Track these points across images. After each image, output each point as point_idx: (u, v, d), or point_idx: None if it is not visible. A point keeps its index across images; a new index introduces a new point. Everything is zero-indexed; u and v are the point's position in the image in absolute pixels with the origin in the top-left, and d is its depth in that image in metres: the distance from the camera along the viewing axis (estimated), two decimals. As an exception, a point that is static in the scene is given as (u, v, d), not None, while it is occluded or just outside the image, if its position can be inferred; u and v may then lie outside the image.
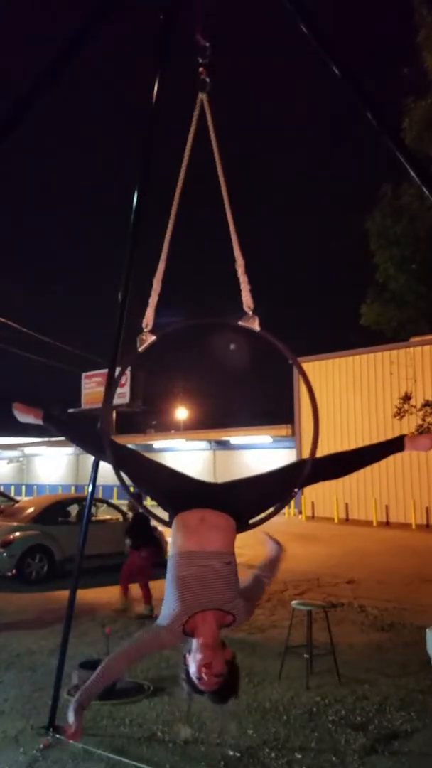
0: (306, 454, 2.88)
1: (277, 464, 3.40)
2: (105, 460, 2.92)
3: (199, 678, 2.41)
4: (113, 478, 3.06)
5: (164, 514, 2.83)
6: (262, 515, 2.87)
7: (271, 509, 2.90)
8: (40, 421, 3.00)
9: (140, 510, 8.84)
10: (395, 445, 2.96)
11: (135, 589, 8.83)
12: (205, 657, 2.39)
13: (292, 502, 23.74)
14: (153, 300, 3.18)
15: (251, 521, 2.84)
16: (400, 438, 2.95)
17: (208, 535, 2.63)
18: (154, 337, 3.11)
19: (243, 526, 2.79)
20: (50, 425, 3.04)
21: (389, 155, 3.66)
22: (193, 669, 2.43)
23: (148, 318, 3.13)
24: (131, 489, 3.05)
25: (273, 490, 2.89)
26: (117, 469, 2.86)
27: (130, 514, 12.55)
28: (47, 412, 3.00)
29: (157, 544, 10.73)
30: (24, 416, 3.05)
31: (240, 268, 3.14)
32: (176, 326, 3.20)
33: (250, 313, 3.04)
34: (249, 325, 3.03)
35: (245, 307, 3.05)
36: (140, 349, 3.11)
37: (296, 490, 2.86)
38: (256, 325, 3.02)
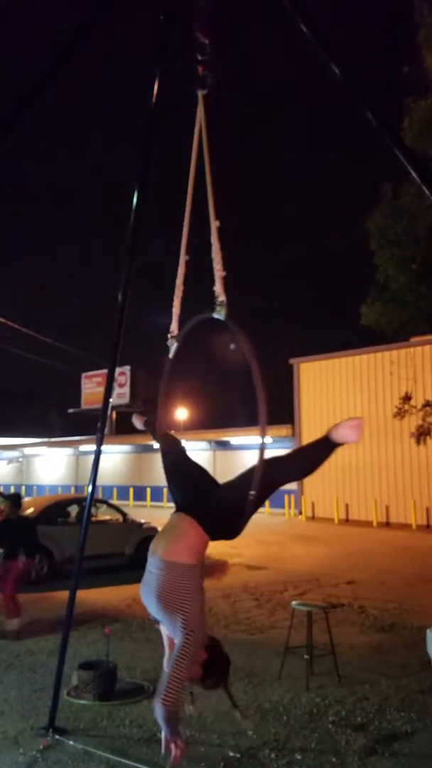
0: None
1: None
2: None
3: None
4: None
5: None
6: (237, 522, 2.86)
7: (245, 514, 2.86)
8: (143, 427, 3.68)
9: (17, 514, 8.32)
10: (327, 443, 2.90)
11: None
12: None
13: (293, 503, 23.72)
14: (176, 307, 3.25)
15: (223, 529, 2.87)
16: (326, 435, 2.88)
17: (167, 540, 2.74)
18: (177, 343, 3.24)
19: (219, 533, 2.84)
20: (147, 430, 3.63)
21: (389, 155, 3.66)
22: None
23: (174, 327, 3.23)
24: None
25: (240, 497, 2.85)
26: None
27: (125, 516, 12.56)
28: (145, 422, 3.67)
29: (43, 552, 10.49)
30: (138, 424, 3.75)
31: (216, 255, 3.12)
32: (185, 330, 3.25)
33: (219, 300, 3.03)
34: (218, 315, 3.03)
35: (216, 295, 3.05)
36: (171, 356, 3.28)
37: (252, 492, 2.79)
38: (222, 314, 3.01)
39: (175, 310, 3.25)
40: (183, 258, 3.31)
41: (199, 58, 3.52)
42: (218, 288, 3.04)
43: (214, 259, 3.12)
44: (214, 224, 3.18)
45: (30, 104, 3.63)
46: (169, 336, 3.26)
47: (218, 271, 3.07)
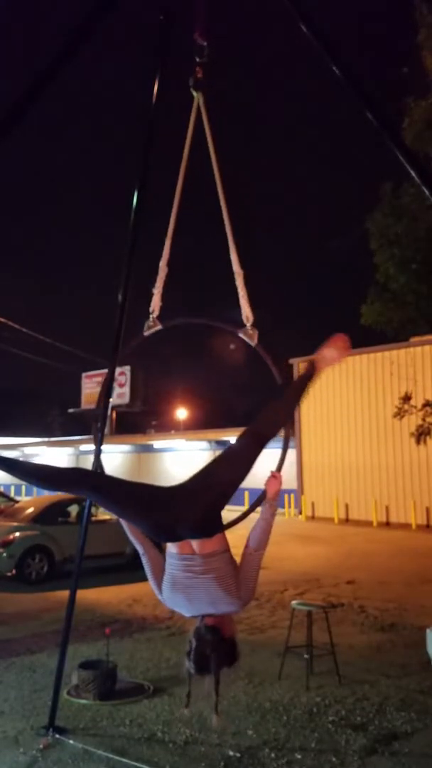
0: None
1: (276, 464, 3.40)
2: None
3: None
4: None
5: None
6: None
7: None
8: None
9: None
10: (310, 372, 2.91)
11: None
12: None
13: (293, 503, 23.72)
14: (159, 285, 3.17)
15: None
16: (311, 364, 2.90)
17: None
18: (160, 326, 3.11)
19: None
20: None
21: (389, 155, 3.66)
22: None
23: (155, 304, 3.12)
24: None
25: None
26: None
27: None
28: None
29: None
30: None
31: (239, 280, 3.13)
32: (180, 322, 3.21)
33: (248, 325, 3.05)
34: (247, 337, 3.04)
35: (243, 318, 3.06)
36: (146, 333, 3.12)
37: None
38: (254, 339, 3.03)
39: (158, 286, 3.21)
40: (168, 242, 3.29)
41: (198, 60, 3.49)
42: (246, 311, 3.07)
43: (238, 283, 3.14)
44: (234, 248, 3.17)
45: (30, 102, 3.61)
46: (150, 314, 3.17)
47: (243, 296, 3.10)
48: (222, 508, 2.82)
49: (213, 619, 2.79)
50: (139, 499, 2.80)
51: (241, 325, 3.07)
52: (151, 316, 3.12)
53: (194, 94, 3.42)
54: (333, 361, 2.85)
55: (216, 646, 2.73)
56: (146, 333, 3.13)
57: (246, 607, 2.85)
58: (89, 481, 2.95)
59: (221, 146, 3.37)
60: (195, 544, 2.80)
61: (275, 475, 2.84)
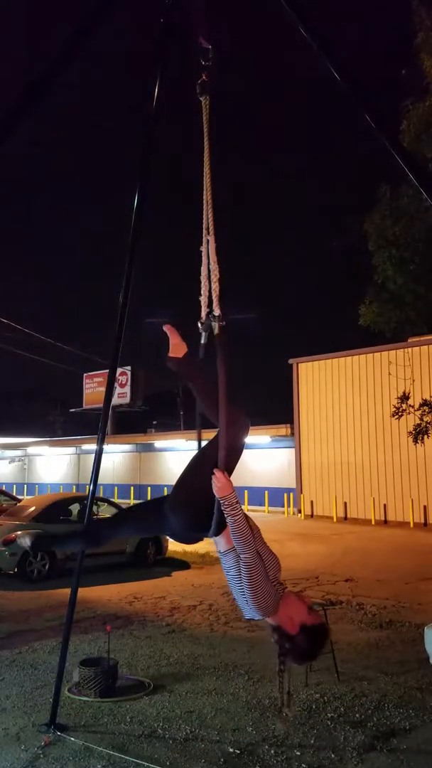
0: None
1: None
2: None
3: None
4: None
5: None
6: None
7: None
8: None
9: None
10: (172, 366, 3.11)
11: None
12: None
13: (292, 501, 23.78)
14: (204, 294, 3.18)
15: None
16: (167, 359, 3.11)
17: None
18: (204, 333, 3.18)
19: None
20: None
21: (388, 157, 3.69)
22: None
23: (204, 313, 3.17)
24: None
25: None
26: None
27: None
28: None
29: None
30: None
31: (214, 273, 3.13)
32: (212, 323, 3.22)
33: (212, 317, 3.05)
34: (214, 328, 3.05)
35: (213, 312, 3.07)
36: (202, 341, 3.19)
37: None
38: (215, 330, 3.03)
39: (203, 301, 3.19)
40: (204, 249, 3.25)
41: (203, 63, 3.45)
42: (215, 303, 3.07)
43: (212, 271, 3.12)
44: (212, 240, 3.15)
45: (29, 106, 3.63)
46: (200, 323, 3.18)
47: (215, 288, 3.09)
48: (209, 500, 2.73)
49: (272, 619, 2.66)
50: (155, 518, 2.91)
51: (210, 320, 3.08)
52: (199, 324, 3.14)
53: (201, 99, 3.38)
54: (172, 347, 3.10)
55: (286, 645, 2.66)
56: (203, 341, 3.18)
57: (272, 617, 2.66)
58: (117, 527, 3.21)
59: (222, 148, 3.39)
60: (217, 541, 2.76)
61: (215, 473, 2.66)
